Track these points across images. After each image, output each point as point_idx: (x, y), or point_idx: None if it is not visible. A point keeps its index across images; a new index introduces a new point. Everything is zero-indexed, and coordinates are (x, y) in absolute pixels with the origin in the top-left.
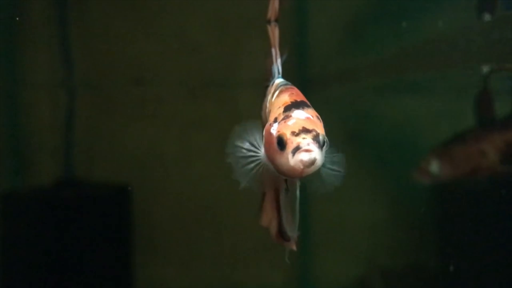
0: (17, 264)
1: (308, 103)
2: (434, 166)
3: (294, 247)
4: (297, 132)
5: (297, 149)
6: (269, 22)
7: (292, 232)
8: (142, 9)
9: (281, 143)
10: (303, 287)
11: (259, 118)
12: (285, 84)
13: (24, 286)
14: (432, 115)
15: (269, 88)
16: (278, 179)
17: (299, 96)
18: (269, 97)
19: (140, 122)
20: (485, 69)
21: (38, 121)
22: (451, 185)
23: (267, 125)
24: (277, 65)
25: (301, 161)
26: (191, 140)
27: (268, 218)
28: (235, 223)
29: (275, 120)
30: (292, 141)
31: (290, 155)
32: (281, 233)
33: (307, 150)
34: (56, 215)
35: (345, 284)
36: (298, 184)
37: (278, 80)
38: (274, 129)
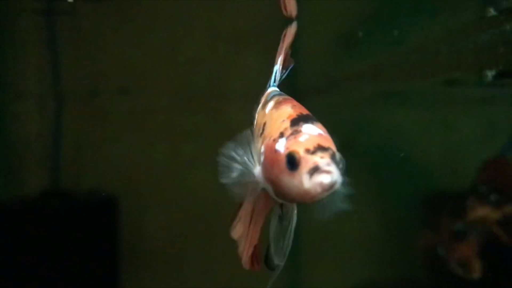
0: (4, 274)
1: (314, 117)
2: (440, 249)
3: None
4: (312, 150)
5: (315, 169)
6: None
7: (281, 261)
8: (133, 20)
9: (293, 162)
10: None
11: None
12: (280, 94)
13: None
14: (424, 125)
15: (259, 97)
16: (271, 203)
17: (303, 109)
18: (258, 107)
19: (129, 132)
20: (490, 74)
21: (26, 131)
22: (441, 195)
23: (269, 140)
24: (278, 71)
25: (321, 184)
26: (180, 151)
27: (240, 231)
28: (224, 235)
29: (281, 135)
30: (308, 160)
31: (305, 176)
32: (267, 262)
33: (327, 171)
34: (43, 225)
35: None
36: (295, 210)
37: (271, 89)
38: (282, 146)
